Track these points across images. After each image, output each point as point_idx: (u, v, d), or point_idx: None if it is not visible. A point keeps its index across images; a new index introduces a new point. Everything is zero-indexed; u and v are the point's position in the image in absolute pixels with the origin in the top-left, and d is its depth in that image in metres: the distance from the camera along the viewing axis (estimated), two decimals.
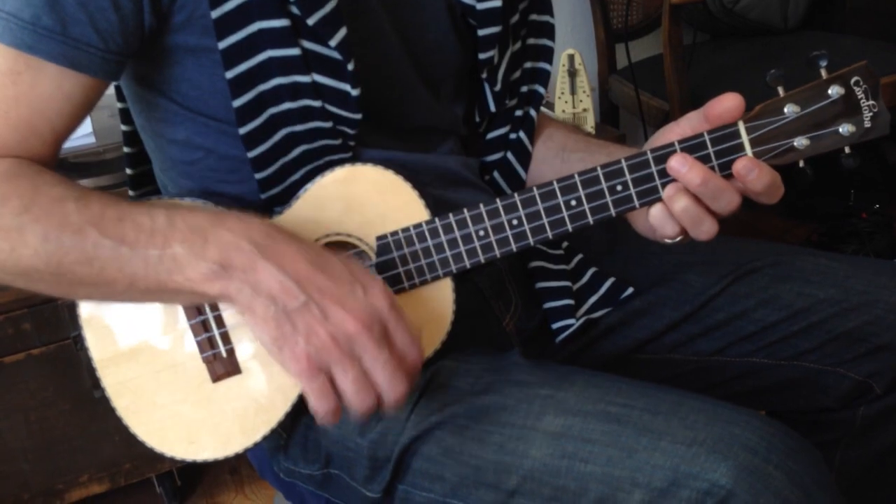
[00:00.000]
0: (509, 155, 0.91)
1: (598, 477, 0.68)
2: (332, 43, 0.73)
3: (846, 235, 1.92)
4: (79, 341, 0.77)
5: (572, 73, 1.65)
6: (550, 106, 1.72)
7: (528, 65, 0.90)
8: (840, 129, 0.70)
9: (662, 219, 0.73)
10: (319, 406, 0.66)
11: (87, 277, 0.68)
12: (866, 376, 0.86)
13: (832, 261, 0.88)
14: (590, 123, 1.68)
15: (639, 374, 0.81)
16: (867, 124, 0.70)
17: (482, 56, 0.84)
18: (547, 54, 0.91)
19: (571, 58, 1.65)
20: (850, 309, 0.85)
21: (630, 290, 0.90)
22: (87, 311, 0.76)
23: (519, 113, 0.90)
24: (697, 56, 1.80)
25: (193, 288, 0.66)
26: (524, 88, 0.90)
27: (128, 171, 0.89)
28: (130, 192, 0.90)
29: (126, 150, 0.88)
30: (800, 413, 0.92)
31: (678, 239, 0.74)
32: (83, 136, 1.43)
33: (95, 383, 0.77)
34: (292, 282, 0.64)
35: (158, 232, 0.66)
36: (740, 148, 0.71)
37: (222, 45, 0.72)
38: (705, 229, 0.71)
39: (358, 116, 0.76)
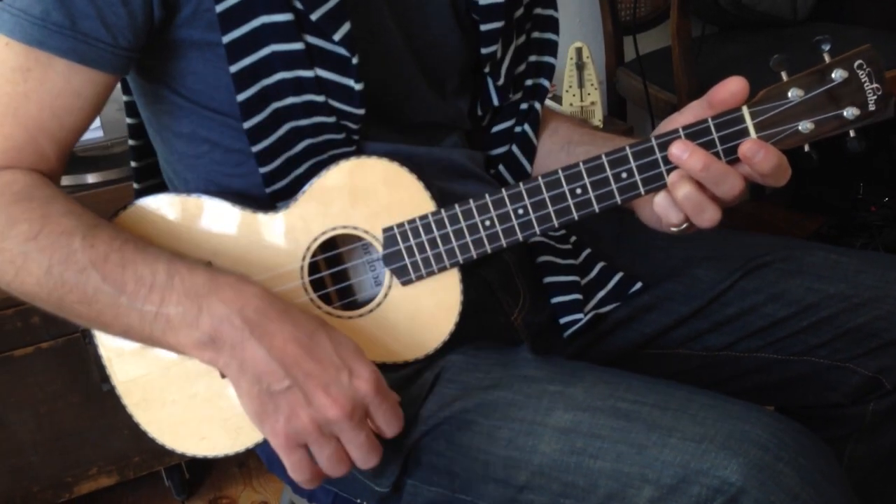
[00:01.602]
0: (514, 148, 0.90)
1: (608, 473, 0.67)
2: (336, 38, 0.73)
3: (855, 229, 1.91)
4: (87, 335, 0.77)
5: (580, 67, 1.65)
6: (558, 99, 1.72)
7: (532, 58, 0.90)
8: (844, 113, 0.70)
9: (666, 206, 0.72)
10: (297, 477, 0.69)
11: (85, 315, 0.69)
12: (876, 372, 0.86)
13: (842, 255, 0.88)
14: (597, 117, 1.68)
15: (647, 369, 0.81)
16: (871, 107, 0.70)
17: (485, 51, 0.84)
18: (552, 48, 0.91)
19: (579, 51, 1.64)
20: (860, 304, 0.85)
21: (639, 284, 0.90)
22: None
23: (524, 106, 0.90)
24: (706, 48, 1.79)
25: (184, 350, 0.68)
26: (529, 82, 0.90)
27: (133, 163, 0.89)
28: (135, 185, 0.90)
29: (131, 142, 0.88)
30: (809, 409, 0.92)
31: (683, 227, 0.73)
32: (91, 129, 1.42)
33: (104, 377, 0.77)
34: (278, 364, 0.65)
35: (157, 289, 0.67)
36: (745, 133, 0.70)
37: (226, 39, 0.72)
38: (707, 216, 0.71)
39: (361, 111, 0.76)
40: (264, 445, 0.80)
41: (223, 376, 0.71)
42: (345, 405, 0.66)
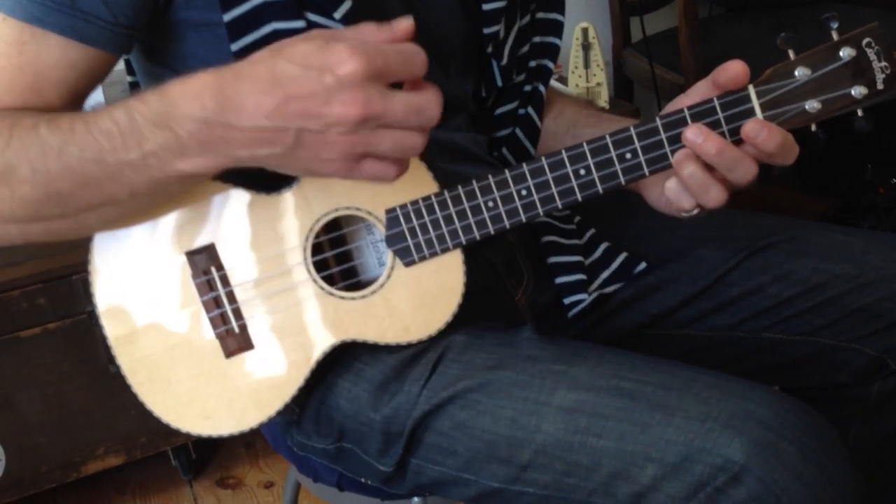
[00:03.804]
0: (518, 130, 0.90)
1: (611, 452, 0.68)
2: (337, 16, 0.72)
3: (863, 210, 1.90)
4: (94, 316, 0.77)
5: (586, 47, 1.63)
6: (564, 80, 1.71)
7: (536, 39, 0.89)
8: (852, 92, 0.69)
9: (678, 191, 0.72)
10: (385, 175, 0.64)
11: (91, 199, 0.67)
12: (881, 352, 0.86)
13: (848, 236, 0.88)
14: (603, 98, 1.67)
15: (652, 349, 0.81)
16: (880, 86, 0.69)
17: (487, 31, 0.83)
18: (556, 28, 0.90)
19: (585, 31, 1.63)
20: (866, 284, 0.84)
21: (643, 265, 0.90)
22: (101, 288, 0.76)
23: (528, 88, 0.89)
24: (713, 29, 1.78)
25: (193, 172, 0.65)
26: (532, 63, 0.90)
27: None
28: None
29: None
30: (814, 389, 0.92)
31: (694, 212, 0.73)
32: None
33: (110, 358, 0.78)
34: (270, 123, 0.61)
35: (127, 133, 0.64)
36: (751, 112, 0.70)
37: (227, 17, 0.71)
38: (713, 196, 0.71)
39: None
40: (269, 425, 0.81)
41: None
42: (354, 93, 0.59)
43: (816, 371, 0.89)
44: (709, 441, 0.65)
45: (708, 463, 0.64)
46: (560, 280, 0.89)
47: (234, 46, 0.72)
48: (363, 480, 0.86)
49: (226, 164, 0.65)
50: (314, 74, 0.60)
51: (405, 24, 0.63)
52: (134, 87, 0.86)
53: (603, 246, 0.91)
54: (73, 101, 0.72)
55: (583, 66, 1.65)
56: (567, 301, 0.88)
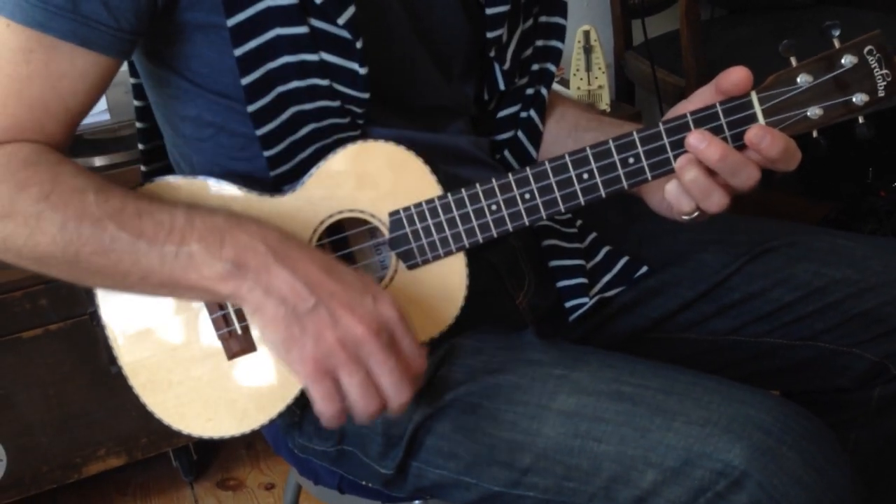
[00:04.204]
0: (520, 134, 0.90)
1: (612, 456, 0.68)
2: (340, 21, 0.72)
3: (864, 214, 1.90)
4: (95, 317, 0.77)
5: (587, 50, 1.63)
6: (565, 83, 1.71)
7: (539, 43, 0.90)
8: (854, 99, 0.69)
9: (678, 194, 0.72)
10: (324, 409, 0.67)
11: (102, 268, 0.69)
12: (882, 357, 0.86)
13: (849, 241, 0.88)
14: (605, 100, 1.67)
15: (652, 353, 0.81)
16: (881, 93, 0.69)
17: (490, 35, 0.84)
18: (559, 32, 0.90)
19: (587, 34, 1.63)
20: (867, 289, 0.84)
21: (644, 268, 0.90)
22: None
23: (530, 91, 0.89)
24: (714, 31, 1.78)
25: (206, 286, 0.67)
26: (535, 67, 0.90)
27: (140, 146, 0.89)
28: (143, 168, 0.90)
29: (138, 125, 0.88)
30: (815, 394, 0.92)
31: (695, 215, 0.73)
32: (98, 112, 1.43)
33: (112, 359, 0.78)
34: (303, 285, 0.66)
35: (177, 230, 0.67)
36: (753, 118, 0.70)
37: (231, 21, 0.72)
38: (715, 201, 0.71)
39: (366, 96, 0.75)
40: (270, 427, 0.81)
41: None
42: (371, 324, 0.65)
43: (817, 375, 0.89)
44: (709, 446, 0.65)
45: (708, 468, 0.64)
46: (561, 283, 0.89)
47: (238, 51, 0.73)
48: (364, 483, 0.86)
49: (237, 293, 0.67)
50: (361, 289, 0.67)
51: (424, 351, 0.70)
52: (137, 88, 0.86)
53: (604, 250, 0.91)
54: (79, 115, 0.73)
55: (584, 69, 1.65)
56: (568, 305, 0.89)
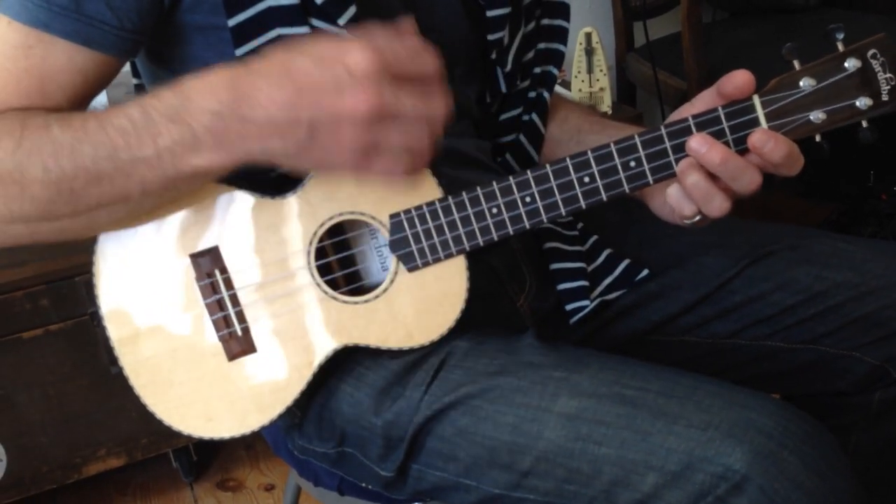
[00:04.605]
0: (522, 137, 0.90)
1: (612, 459, 0.68)
2: (341, 22, 0.72)
3: (865, 217, 1.90)
4: (96, 317, 0.77)
5: (589, 52, 1.64)
6: (567, 85, 1.71)
7: (541, 45, 0.90)
8: (857, 103, 0.69)
9: (680, 198, 0.72)
10: (393, 173, 0.65)
11: (104, 196, 0.67)
12: (883, 360, 0.86)
13: (850, 244, 0.88)
14: (606, 102, 1.67)
15: (653, 356, 0.81)
16: (885, 97, 0.69)
17: (491, 37, 0.83)
18: (561, 35, 0.90)
19: (588, 36, 1.63)
20: (868, 293, 0.84)
21: (645, 271, 0.90)
22: (105, 289, 0.76)
23: (532, 94, 0.89)
24: (716, 34, 1.78)
25: (207, 168, 0.66)
26: (537, 70, 0.90)
27: None
28: None
29: None
30: (815, 397, 0.92)
31: (696, 219, 0.73)
32: None
33: (112, 360, 0.78)
34: (284, 115, 0.63)
35: (141, 130, 0.65)
36: (755, 122, 0.70)
37: (231, 22, 0.72)
38: (716, 205, 0.71)
39: None
40: (270, 428, 0.81)
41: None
42: (366, 87, 0.61)
43: (818, 379, 0.89)
44: (710, 450, 0.65)
45: (709, 472, 0.64)
46: (562, 286, 0.89)
47: (239, 51, 0.73)
48: (364, 485, 0.86)
49: (239, 158, 0.66)
50: (327, 68, 0.61)
51: (408, 23, 0.64)
52: (139, 89, 0.86)
53: (605, 252, 0.91)
54: (79, 105, 0.72)
55: (586, 71, 1.65)
56: (569, 307, 0.88)
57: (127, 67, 0.80)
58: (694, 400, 0.67)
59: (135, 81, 0.86)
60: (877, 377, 0.87)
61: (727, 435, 0.65)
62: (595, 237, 0.92)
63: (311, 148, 0.64)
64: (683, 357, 0.91)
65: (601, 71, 1.65)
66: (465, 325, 0.77)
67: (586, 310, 0.88)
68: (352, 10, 0.73)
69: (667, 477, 0.66)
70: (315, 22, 0.73)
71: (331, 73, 0.61)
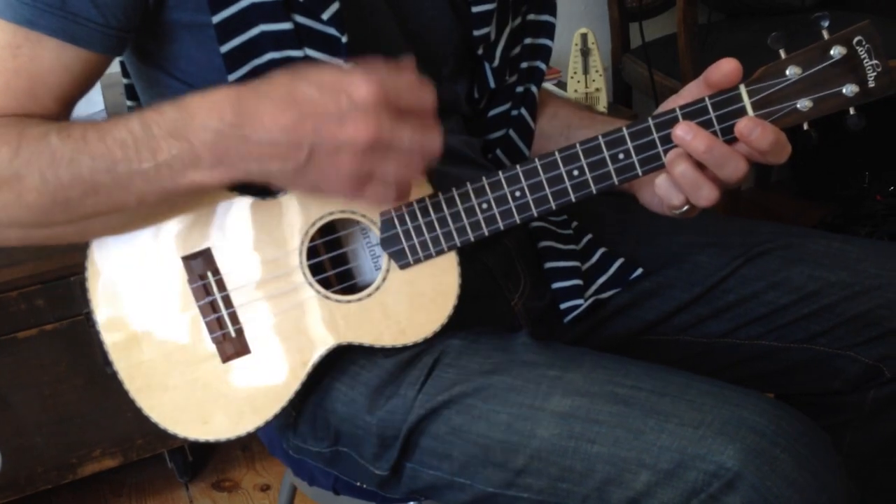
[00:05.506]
0: (511, 132, 0.90)
1: (605, 457, 0.68)
2: (325, 16, 0.73)
3: (860, 217, 1.90)
4: (91, 318, 0.77)
5: (585, 53, 1.63)
6: (563, 86, 1.71)
7: (528, 41, 0.89)
8: (843, 90, 0.69)
9: (668, 188, 0.72)
10: (384, 200, 0.67)
11: (99, 206, 0.68)
12: (877, 360, 0.86)
13: (844, 243, 0.88)
14: (602, 103, 1.67)
15: (647, 355, 0.81)
16: (871, 84, 0.69)
17: (477, 33, 0.84)
18: (548, 30, 0.90)
19: (584, 37, 1.63)
20: (862, 292, 0.84)
21: (639, 270, 0.90)
22: (98, 294, 0.76)
23: (520, 89, 0.89)
24: (712, 35, 1.78)
25: (204, 184, 0.67)
26: (525, 65, 0.90)
27: None
28: None
29: None
30: (809, 396, 0.92)
31: (685, 209, 0.73)
32: (95, 113, 1.43)
33: (107, 360, 0.78)
34: (285, 138, 0.64)
35: (141, 144, 0.66)
36: (742, 112, 0.70)
37: (216, 19, 0.72)
38: (704, 194, 0.71)
39: None
40: (265, 429, 0.81)
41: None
42: (367, 117, 0.63)
43: (811, 378, 0.90)
44: (703, 447, 0.65)
45: (702, 469, 0.64)
46: (556, 285, 0.89)
47: (224, 48, 0.73)
48: (359, 484, 0.86)
49: (237, 177, 0.67)
50: (331, 96, 0.63)
51: (407, 60, 0.66)
52: (129, 89, 0.86)
53: (600, 251, 0.91)
54: (68, 104, 0.72)
55: (582, 72, 1.65)
56: (563, 306, 0.89)
57: (117, 68, 0.80)
58: (686, 398, 0.67)
59: (125, 82, 0.86)
60: (870, 376, 0.87)
61: (719, 433, 0.65)
62: (589, 236, 0.92)
63: (309, 171, 0.65)
64: (678, 356, 0.91)
65: (597, 72, 1.65)
66: (459, 324, 0.77)
67: (580, 309, 0.88)
68: (335, 6, 0.73)
69: (659, 475, 0.66)
70: (298, 18, 0.73)
71: (334, 101, 0.63)
